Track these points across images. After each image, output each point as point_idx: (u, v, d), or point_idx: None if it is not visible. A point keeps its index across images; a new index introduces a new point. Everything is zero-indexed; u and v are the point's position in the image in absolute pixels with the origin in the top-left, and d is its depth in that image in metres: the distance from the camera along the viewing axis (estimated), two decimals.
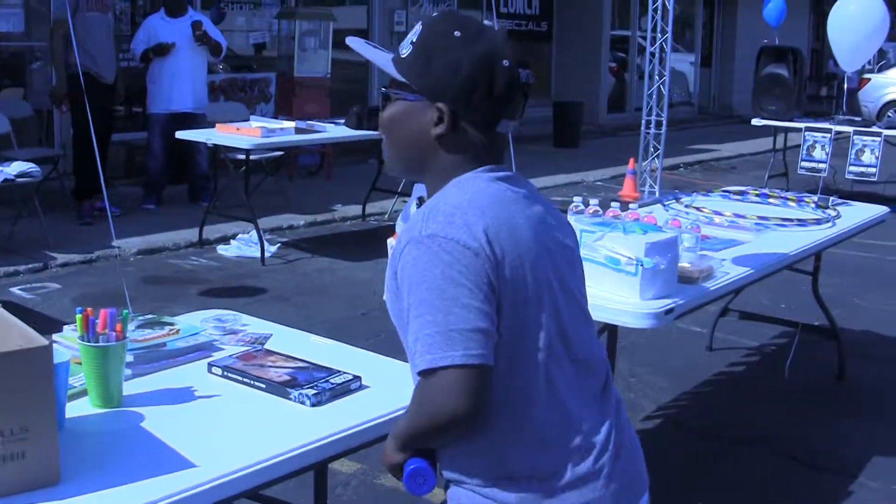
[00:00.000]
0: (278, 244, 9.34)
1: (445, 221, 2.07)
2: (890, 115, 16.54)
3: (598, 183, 13.66)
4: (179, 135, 9.19)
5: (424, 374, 2.02)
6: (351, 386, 2.81)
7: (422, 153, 2.24)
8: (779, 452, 5.30)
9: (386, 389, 2.84)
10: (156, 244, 8.96)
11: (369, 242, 9.72)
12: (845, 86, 13.91)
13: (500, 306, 2.06)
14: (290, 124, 9.31)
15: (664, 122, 12.16)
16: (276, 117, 11.06)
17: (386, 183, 10.76)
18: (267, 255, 8.78)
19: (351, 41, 2.34)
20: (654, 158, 12.38)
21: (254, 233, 8.96)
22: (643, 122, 12.40)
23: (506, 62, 2.17)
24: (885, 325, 7.57)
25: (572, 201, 4.39)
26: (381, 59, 2.28)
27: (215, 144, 8.93)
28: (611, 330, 4.34)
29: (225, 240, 9.29)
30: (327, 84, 13.00)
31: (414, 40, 2.21)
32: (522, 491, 2.13)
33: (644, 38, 13.26)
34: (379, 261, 8.74)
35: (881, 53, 27.96)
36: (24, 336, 2.23)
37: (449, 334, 1.99)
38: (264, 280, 8.21)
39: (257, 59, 14.26)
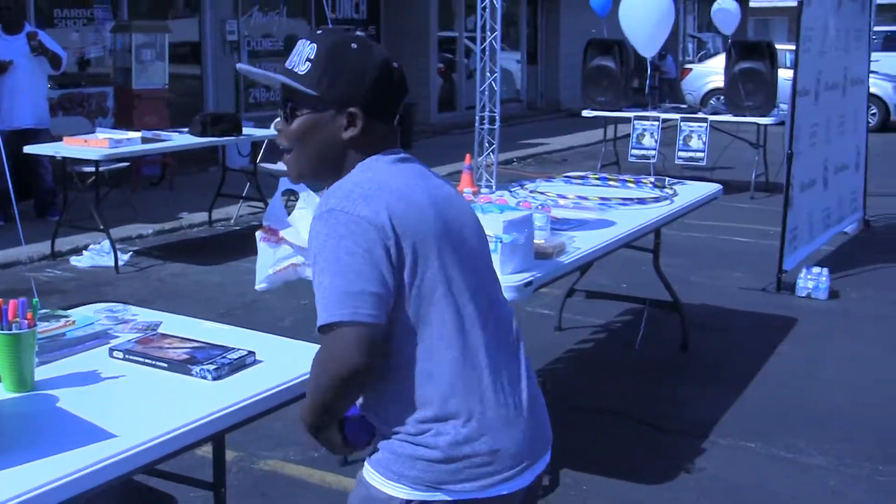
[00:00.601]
0: (130, 253, 9.39)
1: (344, 197, 2.30)
2: (713, 102, 17.20)
3: None
4: (28, 149, 9.17)
5: (323, 330, 2.24)
6: (246, 361, 3.02)
7: (334, 157, 2.46)
8: (634, 419, 5.67)
9: (277, 363, 3.07)
10: (9, 258, 8.93)
11: (218, 247, 9.94)
12: (649, 71, 14.40)
13: (402, 273, 2.29)
14: (136, 134, 9.35)
15: (497, 118, 12.51)
16: (116, 130, 11.08)
17: (230, 188, 10.92)
18: (120, 263, 8.84)
19: (240, 67, 2.62)
20: (489, 153, 12.72)
21: (105, 243, 9.01)
22: (477, 118, 12.73)
23: (395, 64, 2.47)
24: (720, 298, 8.06)
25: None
26: (273, 79, 2.48)
27: (63, 158, 8.94)
28: None
29: (77, 251, 9.28)
30: (166, 95, 13.09)
31: (311, 57, 2.42)
32: (448, 433, 2.34)
33: (470, 38, 13.60)
34: (230, 264, 8.95)
35: (700, 44, 28.96)
36: None
37: (344, 296, 2.21)
38: (121, 287, 8.29)
39: (92, 74, 14.20)
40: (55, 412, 2.68)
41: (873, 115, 20.90)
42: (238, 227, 10.96)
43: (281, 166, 8.90)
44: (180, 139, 9.86)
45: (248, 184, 11.07)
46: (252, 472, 4.91)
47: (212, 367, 2.91)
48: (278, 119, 2.54)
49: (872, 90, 19.97)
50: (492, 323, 2.46)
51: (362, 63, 2.43)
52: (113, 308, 3.54)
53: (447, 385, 2.34)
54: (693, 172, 12.26)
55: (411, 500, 2.35)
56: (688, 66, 24.14)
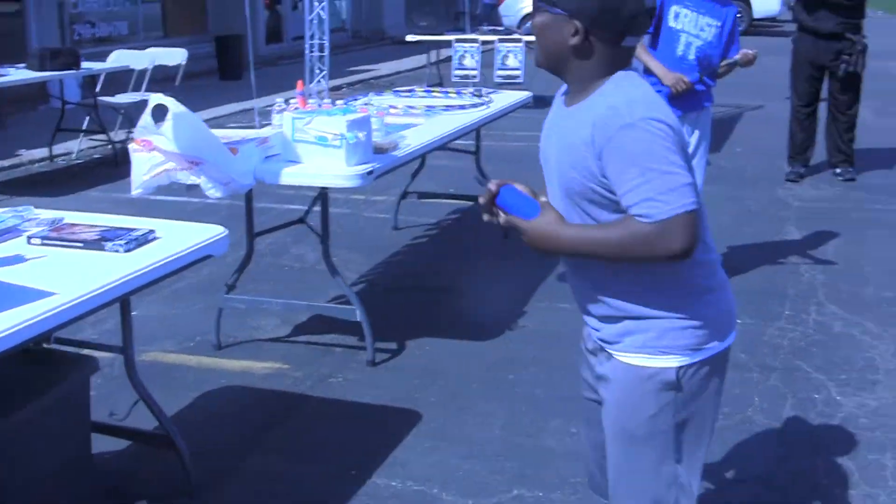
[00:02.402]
0: None
1: (648, 107, 2.58)
2: (528, 25, 18.03)
3: (269, 108, 14.50)
4: None
5: (665, 223, 2.50)
6: (149, 237, 3.72)
7: (560, 57, 2.74)
8: (466, 293, 6.56)
9: (172, 239, 3.78)
10: None
11: (64, 180, 10.29)
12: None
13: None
14: None
15: (326, 46, 13.11)
16: None
17: (67, 123, 11.11)
18: None
19: None
20: (320, 80, 13.35)
21: None
22: (307, 46, 13.34)
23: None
24: None
25: (275, 103, 5.39)
26: None
27: None
28: (324, 195, 5.38)
29: None
30: None
31: None
32: (711, 304, 2.80)
33: None
34: (79, 194, 9.35)
35: None
36: None
37: (679, 189, 2.50)
38: None
39: None
40: None
41: None
42: (80, 161, 11.28)
43: (119, 98, 9.34)
44: (19, 73, 10.12)
45: (88, 117, 11.24)
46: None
47: (122, 242, 3.60)
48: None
49: None
50: None
51: None
52: (17, 209, 4.13)
53: (710, 261, 2.85)
54: (512, 89, 13.10)
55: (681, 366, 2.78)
56: None
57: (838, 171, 10.09)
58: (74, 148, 11.48)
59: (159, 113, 4.61)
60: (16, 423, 3.35)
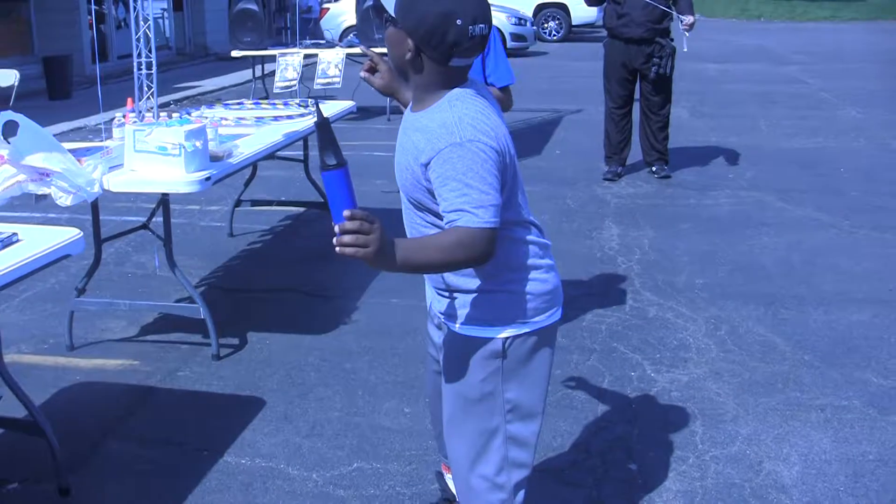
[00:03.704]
0: None
1: (474, 130, 2.88)
2: (350, 37, 18.48)
3: (100, 126, 14.64)
4: None
5: (472, 231, 2.81)
6: (13, 239, 4.03)
7: (401, 68, 3.07)
8: (301, 292, 6.92)
9: (32, 241, 4.09)
10: None
11: None
12: (297, 14, 15.51)
13: (503, 183, 2.96)
14: None
15: (154, 63, 13.30)
16: None
17: None
18: None
19: None
20: (148, 97, 13.54)
21: None
22: (134, 64, 13.47)
23: (459, 21, 2.88)
24: (364, 201, 9.29)
25: (114, 118, 5.73)
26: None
27: None
28: (165, 202, 5.72)
29: None
30: None
31: None
32: (539, 282, 3.17)
33: None
34: None
35: None
36: None
37: (490, 208, 2.82)
38: None
39: None
40: None
41: None
42: None
43: None
44: None
45: None
46: None
47: None
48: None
49: None
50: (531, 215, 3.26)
51: (427, 8, 2.90)
52: None
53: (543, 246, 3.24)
54: (334, 98, 13.55)
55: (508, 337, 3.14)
56: (325, 5, 25.38)
57: (654, 168, 10.70)
58: None
59: (9, 128, 4.86)
60: None
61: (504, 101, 4.98)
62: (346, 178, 2.76)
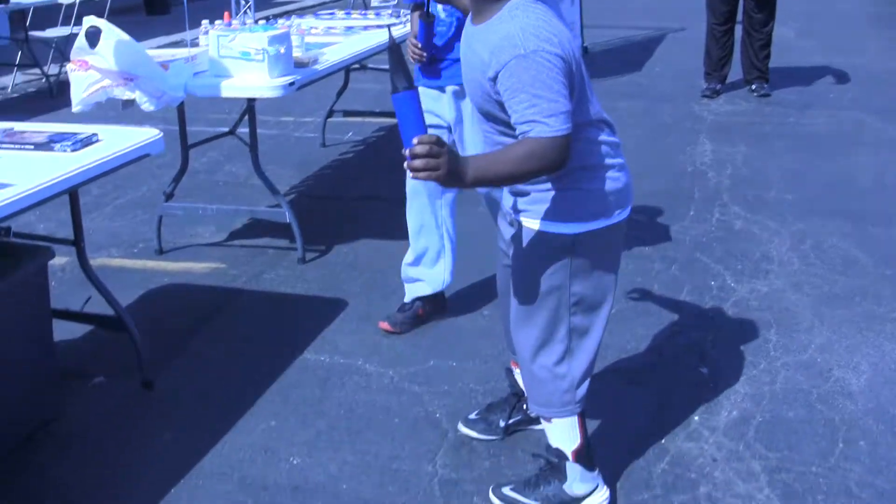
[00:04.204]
0: None
1: (537, 39, 2.89)
2: None
3: (197, 40, 14.80)
4: None
5: (544, 141, 2.86)
6: (93, 139, 4.15)
7: None
8: (389, 200, 6.97)
9: (112, 141, 4.20)
10: None
11: (3, 112, 10.41)
12: None
13: (571, 88, 2.97)
14: None
15: None
16: None
17: (5, 58, 11.47)
18: None
19: None
20: (246, 10, 13.64)
21: None
22: None
23: None
24: None
25: (200, 25, 5.81)
26: None
27: None
28: (251, 108, 5.84)
29: None
30: None
31: None
32: (610, 180, 3.21)
33: None
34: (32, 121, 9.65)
35: None
36: None
37: (561, 115, 2.87)
38: None
39: None
40: None
41: None
42: (16, 95, 11.55)
43: (49, 32, 9.67)
44: None
45: (20, 52, 11.50)
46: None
47: (69, 143, 4.03)
48: None
49: None
50: (605, 119, 3.28)
51: None
52: None
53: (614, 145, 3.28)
54: None
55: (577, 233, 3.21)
56: None
57: (753, 87, 10.53)
58: (9, 82, 11.71)
59: (93, 35, 4.98)
60: None
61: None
62: (415, 102, 2.83)
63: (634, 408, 4.32)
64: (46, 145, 4.06)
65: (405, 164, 2.76)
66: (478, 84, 3.08)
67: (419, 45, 4.54)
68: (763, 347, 4.84)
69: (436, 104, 4.67)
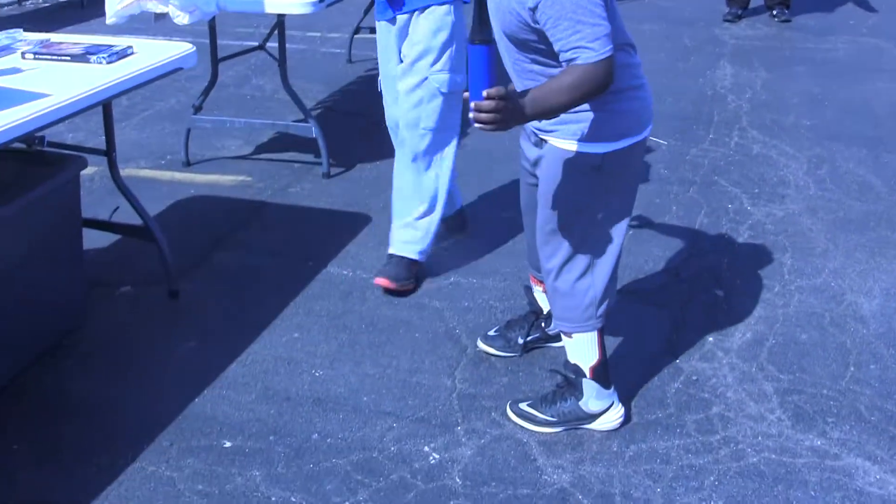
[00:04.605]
0: None
1: None
2: None
3: None
4: None
5: (593, 66, 2.96)
6: (127, 52, 4.24)
7: None
8: None
9: (147, 54, 4.29)
10: None
11: (34, 21, 10.51)
12: None
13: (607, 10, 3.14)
14: None
15: None
16: None
17: None
18: None
19: None
20: None
21: None
22: None
23: None
24: None
25: None
26: None
27: None
28: (280, 23, 5.92)
29: None
30: None
31: None
32: (633, 100, 3.32)
33: None
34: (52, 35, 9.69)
35: None
36: None
37: (604, 38, 2.96)
38: None
39: None
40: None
41: None
42: (47, 4, 11.63)
43: None
44: None
45: None
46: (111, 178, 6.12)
47: (104, 55, 4.12)
48: None
49: None
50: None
51: None
52: (8, 31, 4.60)
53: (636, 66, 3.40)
54: None
55: (605, 152, 3.31)
56: None
57: (775, 12, 10.53)
58: None
59: None
60: (16, 211, 3.81)
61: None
62: (489, 56, 2.97)
63: (650, 328, 4.43)
64: (82, 56, 4.14)
65: (470, 115, 2.90)
66: (513, 13, 3.14)
67: None
68: (778, 271, 4.94)
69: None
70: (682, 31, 9.93)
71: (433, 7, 4.43)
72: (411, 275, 4.74)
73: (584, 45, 2.96)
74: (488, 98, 2.85)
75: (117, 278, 4.84)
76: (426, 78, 4.49)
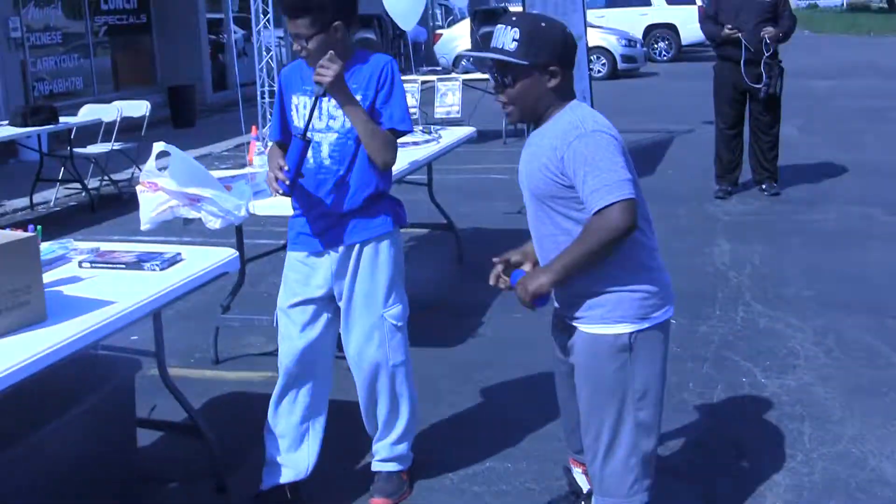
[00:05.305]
0: None
1: (596, 124, 3.39)
2: (464, 63, 18.86)
3: (225, 153, 15.22)
4: None
5: (606, 208, 3.25)
6: (177, 258, 4.48)
7: (540, 103, 3.52)
8: (429, 308, 7.20)
9: (194, 260, 4.53)
10: None
11: (48, 226, 10.75)
12: (409, 42, 16.05)
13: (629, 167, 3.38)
14: None
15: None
16: None
17: (42, 174, 11.88)
18: None
19: (462, 53, 3.96)
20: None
21: None
22: (258, 93, 14.09)
23: (567, 29, 3.52)
24: (486, 222, 9.88)
25: (241, 145, 6.17)
26: (493, 57, 3.49)
27: None
28: None
29: None
30: None
31: (517, 38, 3.42)
32: (654, 281, 3.57)
33: (237, 18, 14.63)
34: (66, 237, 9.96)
35: (447, 11, 30.75)
36: (7, 235, 3.73)
37: (621, 182, 3.27)
38: None
39: None
40: (63, 298, 4.04)
41: (603, 65, 23.75)
42: (58, 209, 11.95)
43: (91, 149, 9.96)
44: (2, 130, 11.02)
45: (63, 168, 11.94)
46: (145, 378, 6.25)
47: (157, 262, 4.36)
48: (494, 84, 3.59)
49: (601, 43, 22.68)
50: None
51: (556, 34, 3.45)
52: (59, 241, 4.85)
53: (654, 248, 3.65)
54: (452, 124, 13.96)
55: (633, 332, 3.54)
56: (438, 31, 25.83)
57: (764, 186, 10.95)
58: (51, 197, 12.12)
59: (162, 158, 5.32)
60: (75, 416, 3.99)
61: (387, 149, 4.29)
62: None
63: (680, 501, 4.59)
64: (136, 264, 4.38)
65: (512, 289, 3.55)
66: (541, 169, 3.47)
67: (286, 168, 4.12)
68: (798, 440, 5.12)
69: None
70: (676, 210, 10.30)
71: (371, 242, 4.36)
72: (404, 483, 4.75)
73: (601, 188, 3.27)
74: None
75: (167, 474, 5.00)
76: (381, 316, 4.42)
